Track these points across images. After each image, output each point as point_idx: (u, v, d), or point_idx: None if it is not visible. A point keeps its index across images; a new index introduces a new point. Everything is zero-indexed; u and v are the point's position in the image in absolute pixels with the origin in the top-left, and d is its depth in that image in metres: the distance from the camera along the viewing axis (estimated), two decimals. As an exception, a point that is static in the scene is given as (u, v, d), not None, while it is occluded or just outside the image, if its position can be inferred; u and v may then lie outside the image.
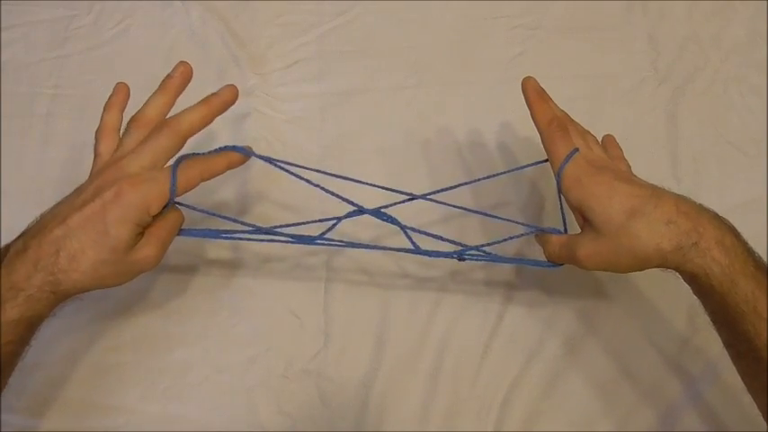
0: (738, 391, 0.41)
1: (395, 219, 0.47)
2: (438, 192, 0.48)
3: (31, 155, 0.58)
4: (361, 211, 0.47)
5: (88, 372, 0.51)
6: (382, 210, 0.47)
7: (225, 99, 0.45)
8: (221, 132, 0.58)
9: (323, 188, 0.46)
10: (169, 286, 0.53)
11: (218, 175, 0.44)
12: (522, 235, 0.50)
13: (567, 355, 0.52)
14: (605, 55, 0.63)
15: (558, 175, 0.44)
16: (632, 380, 0.52)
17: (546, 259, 0.47)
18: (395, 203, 0.48)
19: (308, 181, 0.45)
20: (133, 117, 0.44)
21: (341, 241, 0.48)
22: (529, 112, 0.47)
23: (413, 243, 0.47)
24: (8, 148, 0.58)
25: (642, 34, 0.64)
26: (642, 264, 0.41)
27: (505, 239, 0.49)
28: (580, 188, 0.43)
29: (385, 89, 0.61)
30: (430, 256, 0.48)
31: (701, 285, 0.40)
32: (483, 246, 0.48)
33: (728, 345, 0.41)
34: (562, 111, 0.48)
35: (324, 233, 0.47)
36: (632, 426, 0.50)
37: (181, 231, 0.44)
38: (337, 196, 0.46)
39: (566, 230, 0.47)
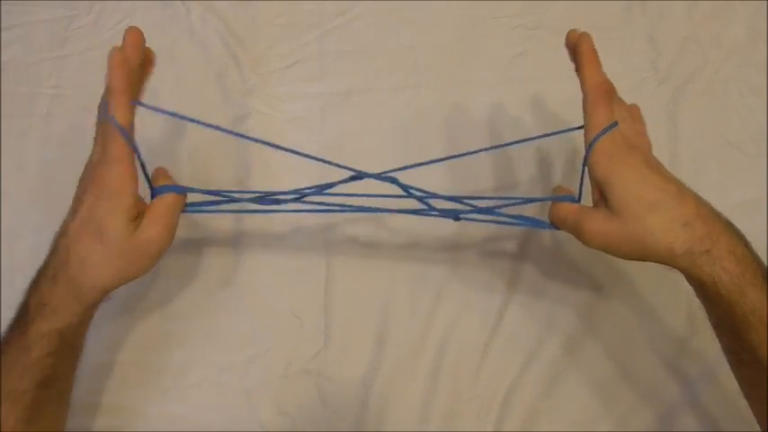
0: (736, 394, 0.41)
1: (396, 179, 0.46)
2: (421, 164, 0.46)
3: (31, 155, 0.58)
4: (360, 176, 0.45)
5: (88, 371, 0.50)
6: (385, 174, 0.46)
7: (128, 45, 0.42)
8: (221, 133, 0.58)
9: (323, 160, 0.44)
10: (169, 286, 0.53)
11: (135, 67, 0.41)
12: (535, 200, 0.49)
13: (566, 354, 0.52)
14: (605, 55, 0.62)
15: (590, 146, 0.41)
16: (631, 380, 0.52)
17: (549, 220, 0.46)
18: (397, 169, 0.46)
19: (310, 156, 0.44)
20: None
21: (351, 204, 0.46)
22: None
23: (425, 203, 0.46)
24: (8, 148, 0.58)
25: (642, 34, 0.64)
26: (647, 257, 0.40)
27: (515, 203, 0.47)
28: (609, 165, 0.41)
29: (385, 89, 0.61)
30: (430, 214, 0.46)
31: (707, 292, 0.39)
32: (497, 207, 0.47)
33: (729, 351, 0.41)
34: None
35: (322, 188, 0.45)
36: (632, 425, 0.51)
37: (186, 208, 0.45)
38: (336, 165, 0.44)
39: (579, 198, 0.45)
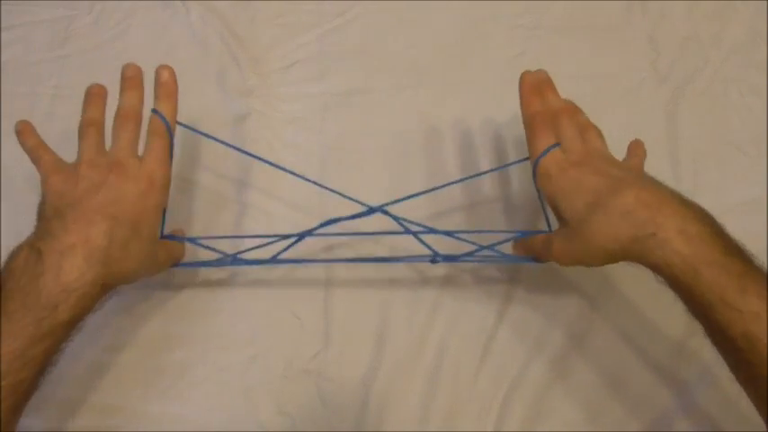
0: (736, 392, 0.41)
1: (388, 212, 0.47)
2: (414, 196, 0.48)
3: (31, 155, 0.58)
4: (337, 218, 0.47)
5: (88, 371, 0.50)
6: (379, 208, 0.47)
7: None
8: (221, 132, 0.58)
9: (326, 187, 0.47)
10: (169, 286, 0.53)
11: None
12: (511, 239, 0.50)
13: (567, 354, 0.52)
14: (605, 55, 0.63)
15: (533, 172, 0.44)
16: (632, 378, 0.52)
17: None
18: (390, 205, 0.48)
19: (315, 183, 0.48)
20: (84, 124, 0.46)
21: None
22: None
23: (427, 247, 0.48)
24: (8, 148, 0.58)
25: (642, 34, 0.64)
26: (609, 258, 0.41)
27: (496, 243, 0.49)
28: (550, 183, 0.43)
29: (385, 89, 0.61)
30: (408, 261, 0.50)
31: (665, 277, 0.39)
32: (478, 250, 0.49)
33: (707, 335, 0.40)
34: (565, 102, 0.47)
35: (315, 228, 0.47)
36: (633, 423, 0.50)
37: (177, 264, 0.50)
38: (339, 194, 0.47)
39: (549, 228, 0.47)
